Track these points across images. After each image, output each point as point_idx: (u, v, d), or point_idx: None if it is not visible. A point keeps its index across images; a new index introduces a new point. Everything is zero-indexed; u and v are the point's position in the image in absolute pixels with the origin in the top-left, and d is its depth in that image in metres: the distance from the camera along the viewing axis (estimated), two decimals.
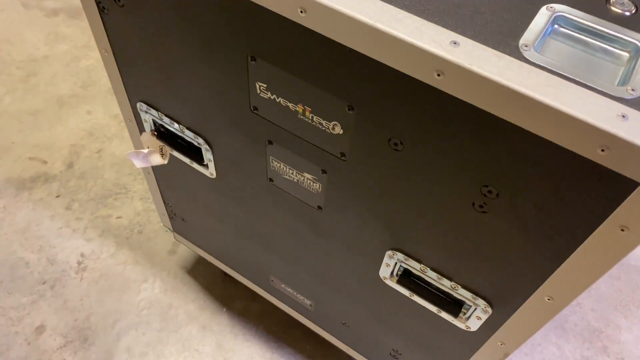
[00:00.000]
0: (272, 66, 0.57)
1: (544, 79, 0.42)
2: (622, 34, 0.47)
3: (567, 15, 0.48)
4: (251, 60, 0.59)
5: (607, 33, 0.47)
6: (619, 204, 0.43)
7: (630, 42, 0.46)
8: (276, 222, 0.83)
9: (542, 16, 0.48)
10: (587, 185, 0.44)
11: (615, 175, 0.42)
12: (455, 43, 0.44)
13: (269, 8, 0.51)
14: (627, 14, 0.49)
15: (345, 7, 0.46)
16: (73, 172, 1.49)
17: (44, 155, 1.52)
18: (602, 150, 0.41)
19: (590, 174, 0.43)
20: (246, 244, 0.97)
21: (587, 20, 0.48)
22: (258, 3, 0.52)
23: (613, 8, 0.49)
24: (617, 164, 0.41)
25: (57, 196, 1.44)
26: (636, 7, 0.50)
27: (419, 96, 0.48)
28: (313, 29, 0.49)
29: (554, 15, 0.48)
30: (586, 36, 0.48)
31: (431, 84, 0.46)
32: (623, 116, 0.40)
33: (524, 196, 0.49)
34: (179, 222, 1.12)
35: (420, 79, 0.46)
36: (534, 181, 0.47)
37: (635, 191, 0.41)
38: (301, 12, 0.49)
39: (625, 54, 0.46)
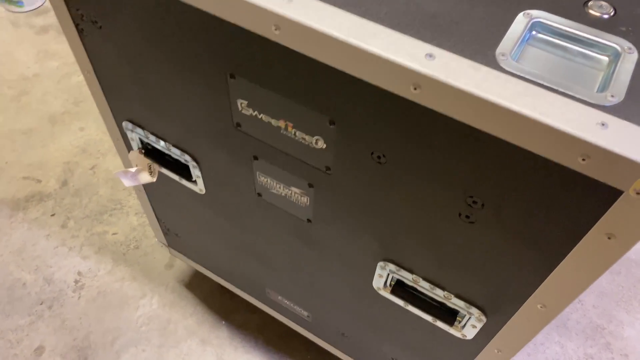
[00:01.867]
0: (252, 83, 0.57)
1: (522, 88, 0.42)
2: (601, 38, 0.46)
3: (544, 21, 0.47)
4: (230, 78, 0.58)
5: (585, 38, 0.46)
6: (604, 212, 0.43)
7: (609, 46, 0.45)
8: (268, 235, 0.82)
9: (519, 23, 0.47)
10: (571, 194, 0.43)
11: (599, 184, 0.41)
12: (430, 56, 0.44)
13: (244, 27, 0.51)
14: (606, 16, 0.48)
15: (319, 23, 0.46)
16: (67, 190, 1.49)
17: (38, 174, 1.51)
18: (583, 160, 0.40)
19: (573, 183, 0.42)
20: (240, 257, 0.96)
21: (564, 26, 0.47)
22: (233, 22, 0.51)
23: (591, 11, 0.49)
24: (599, 172, 0.40)
25: (52, 215, 1.43)
26: (615, 9, 0.49)
27: (398, 110, 0.47)
28: (288, 46, 0.49)
29: (531, 21, 0.47)
30: (564, 41, 0.47)
31: (409, 97, 0.45)
32: (602, 124, 0.39)
33: (509, 206, 0.48)
34: (173, 237, 1.12)
35: (398, 94, 0.46)
36: (518, 191, 0.46)
37: (620, 199, 0.41)
38: (275, 29, 0.48)
39: (605, 58, 0.46)
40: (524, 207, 0.47)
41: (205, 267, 1.14)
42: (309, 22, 0.46)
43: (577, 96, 0.41)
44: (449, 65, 0.43)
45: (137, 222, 1.43)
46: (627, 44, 0.45)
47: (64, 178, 1.51)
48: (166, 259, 1.36)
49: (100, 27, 0.65)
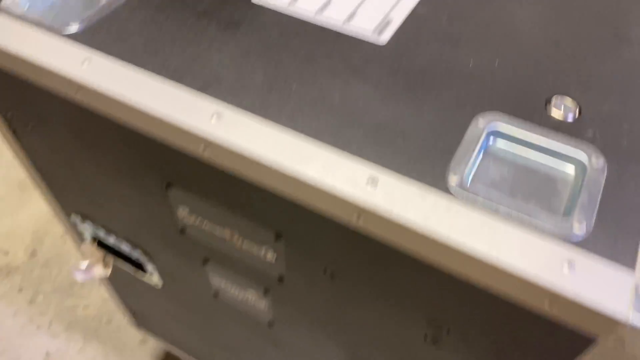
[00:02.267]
0: (190, 193, 0.52)
1: (476, 221, 0.36)
2: (565, 145, 0.41)
3: (502, 129, 0.42)
4: (168, 187, 0.53)
5: (547, 148, 0.41)
6: (578, 354, 0.37)
7: (573, 158, 0.40)
8: (232, 332, 0.76)
9: (474, 133, 0.42)
10: (541, 335, 0.38)
11: (569, 330, 0.35)
12: (373, 181, 0.39)
13: (173, 145, 0.45)
14: (570, 119, 0.43)
15: (249, 144, 0.41)
16: (36, 261, 1.42)
17: (6, 245, 1.45)
18: (551, 303, 0.35)
19: (542, 324, 0.37)
20: (208, 346, 0.90)
21: (524, 131, 0.42)
22: (160, 139, 0.46)
23: (554, 110, 0.44)
24: (568, 318, 0.35)
25: (20, 290, 1.36)
26: (579, 107, 0.44)
27: (343, 234, 0.42)
28: (218, 167, 0.44)
29: (487, 127, 0.42)
30: (525, 150, 0.42)
31: (351, 226, 0.40)
32: (569, 264, 0.34)
33: (477, 336, 0.43)
34: (141, 318, 1.05)
35: (340, 221, 0.40)
36: (483, 323, 0.41)
37: (593, 345, 0.35)
38: (203, 150, 0.43)
39: (571, 172, 0.41)
40: (492, 339, 0.42)
41: (177, 348, 1.07)
42: (237, 142, 0.41)
43: (541, 224, 0.36)
44: (393, 194, 0.38)
45: (108, 293, 1.36)
46: (594, 153, 0.41)
47: (33, 248, 1.45)
48: (140, 333, 1.29)
49: (31, 130, 0.60)
